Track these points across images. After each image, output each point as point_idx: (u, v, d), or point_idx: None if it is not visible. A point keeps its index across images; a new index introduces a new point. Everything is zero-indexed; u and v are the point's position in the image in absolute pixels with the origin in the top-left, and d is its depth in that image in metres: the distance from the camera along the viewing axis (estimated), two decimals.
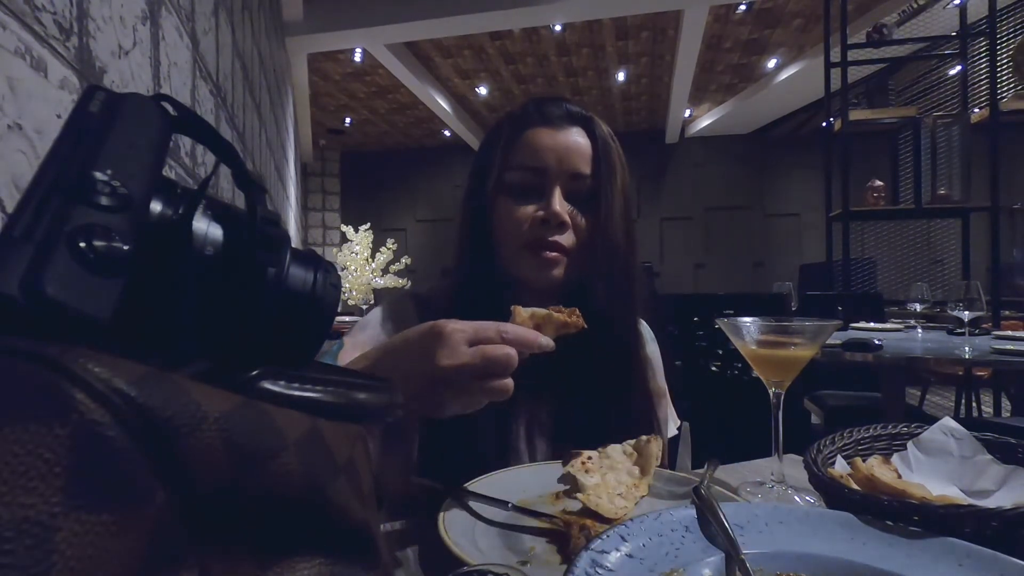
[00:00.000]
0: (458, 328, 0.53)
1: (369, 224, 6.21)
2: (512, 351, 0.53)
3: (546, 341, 0.57)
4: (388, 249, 5.98)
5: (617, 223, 0.76)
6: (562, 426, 0.77)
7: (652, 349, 0.88)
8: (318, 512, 0.24)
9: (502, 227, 0.74)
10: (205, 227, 0.26)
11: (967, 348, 1.87)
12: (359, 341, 0.75)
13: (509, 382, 0.53)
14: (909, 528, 0.42)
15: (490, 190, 0.75)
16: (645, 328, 0.88)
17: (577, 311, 0.61)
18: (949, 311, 2.03)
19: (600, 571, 0.36)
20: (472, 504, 0.59)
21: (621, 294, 0.76)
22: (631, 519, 0.43)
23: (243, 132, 2.13)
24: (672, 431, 0.87)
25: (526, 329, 0.56)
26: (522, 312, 0.60)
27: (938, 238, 3.95)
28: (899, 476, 0.56)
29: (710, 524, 0.42)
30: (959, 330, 2.26)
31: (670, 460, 0.70)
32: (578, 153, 0.75)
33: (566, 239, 0.73)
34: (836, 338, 1.91)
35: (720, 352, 2.25)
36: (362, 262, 5.90)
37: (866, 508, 0.45)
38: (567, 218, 0.73)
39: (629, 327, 0.79)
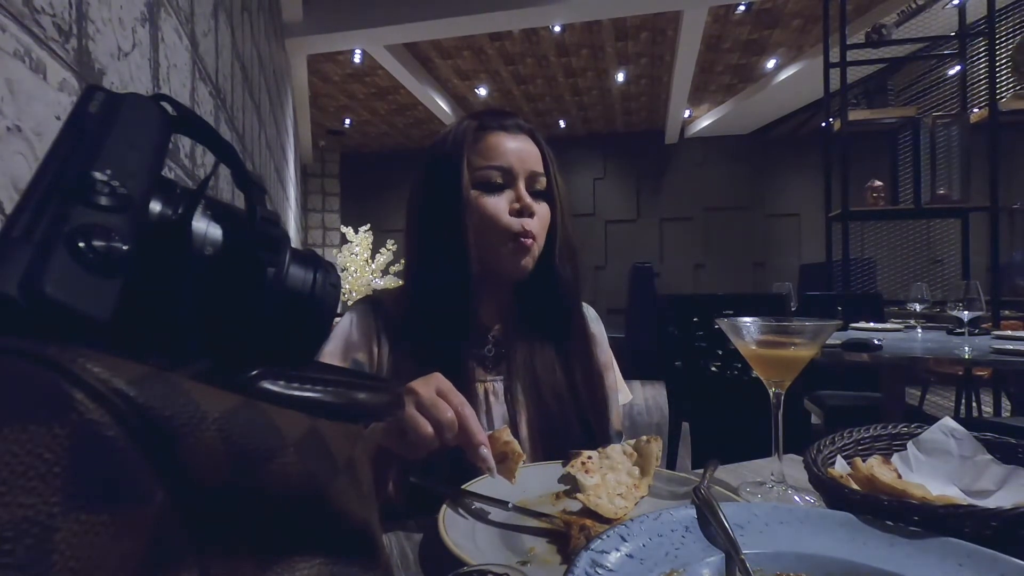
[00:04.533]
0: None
1: (369, 225, 6.20)
2: (453, 418, 0.59)
3: (486, 453, 0.60)
4: (388, 250, 5.98)
5: (568, 214, 0.88)
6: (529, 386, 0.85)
7: (597, 328, 0.98)
8: (318, 512, 0.24)
9: (482, 217, 0.81)
10: (205, 227, 0.26)
11: (967, 348, 1.87)
12: (325, 352, 0.82)
13: (428, 428, 0.59)
14: (909, 528, 0.42)
15: (465, 186, 0.81)
16: (589, 310, 0.99)
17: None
18: (949, 311, 2.03)
19: (600, 571, 0.36)
20: (472, 504, 0.59)
21: (574, 276, 0.88)
22: (631, 519, 0.43)
23: (243, 133, 2.13)
24: (622, 399, 0.97)
25: (480, 430, 0.61)
26: (504, 435, 0.63)
27: (938, 238, 3.94)
28: (899, 476, 0.56)
29: (710, 524, 0.42)
30: (959, 330, 2.26)
31: (669, 460, 0.73)
32: (532, 155, 0.85)
33: (534, 225, 0.82)
34: (836, 338, 1.91)
35: (720, 352, 2.24)
36: (362, 263, 5.90)
37: (866, 508, 0.45)
38: (535, 207, 0.82)
39: (578, 305, 0.92)
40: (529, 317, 0.87)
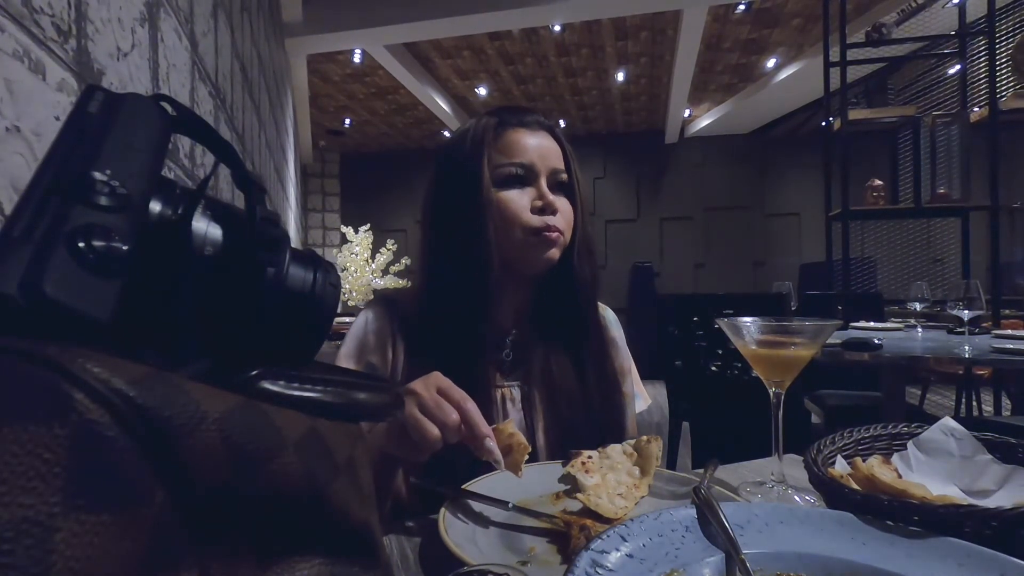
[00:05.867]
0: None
1: (369, 225, 6.20)
2: (458, 419, 0.59)
3: (492, 446, 0.60)
4: (388, 250, 5.97)
5: (588, 212, 0.87)
6: (545, 383, 0.84)
7: (616, 332, 0.96)
8: (318, 512, 0.24)
9: (503, 215, 0.80)
10: (204, 227, 0.26)
11: (967, 347, 1.87)
12: (341, 354, 0.82)
13: (434, 431, 0.58)
14: (909, 528, 0.42)
15: (486, 184, 0.79)
16: (608, 312, 0.97)
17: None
18: (949, 310, 2.02)
19: (600, 571, 0.36)
20: (472, 504, 0.59)
21: (592, 275, 0.87)
22: (631, 519, 0.43)
23: (242, 133, 2.13)
24: (641, 406, 0.95)
25: (484, 423, 0.60)
26: (508, 427, 0.63)
27: (938, 237, 3.94)
28: (899, 476, 0.56)
29: (710, 524, 0.42)
30: (959, 329, 2.26)
31: (669, 460, 0.73)
32: (553, 152, 0.83)
33: (559, 222, 0.81)
34: (836, 338, 1.91)
35: (720, 352, 2.24)
36: (362, 263, 5.90)
37: (866, 508, 0.45)
38: (558, 205, 0.81)
39: (595, 305, 0.90)
40: (546, 319, 0.86)
